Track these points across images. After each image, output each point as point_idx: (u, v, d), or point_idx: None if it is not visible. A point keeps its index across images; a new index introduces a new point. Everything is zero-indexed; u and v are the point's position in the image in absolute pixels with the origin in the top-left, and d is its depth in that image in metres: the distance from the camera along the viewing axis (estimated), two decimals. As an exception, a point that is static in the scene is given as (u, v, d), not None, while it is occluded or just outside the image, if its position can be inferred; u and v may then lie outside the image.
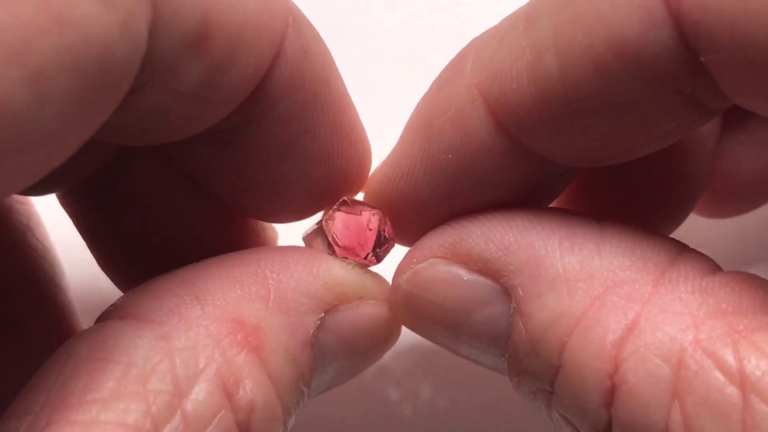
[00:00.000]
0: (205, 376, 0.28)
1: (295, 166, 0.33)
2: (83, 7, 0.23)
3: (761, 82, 0.24)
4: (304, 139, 0.32)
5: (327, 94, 0.32)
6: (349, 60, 0.37)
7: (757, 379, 0.25)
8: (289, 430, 0.31)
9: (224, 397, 0.28)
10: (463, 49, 0.31)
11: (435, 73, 0.32)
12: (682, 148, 0.35)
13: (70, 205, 0.36)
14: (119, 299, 0.31)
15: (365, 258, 0.34)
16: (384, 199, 0.33)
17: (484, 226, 0.31)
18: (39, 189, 0.34)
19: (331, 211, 0.34)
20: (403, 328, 0.34)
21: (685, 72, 0.26)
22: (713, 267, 0.29)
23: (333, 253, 0.34)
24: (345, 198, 0.34)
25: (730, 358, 0.25)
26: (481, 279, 0.31)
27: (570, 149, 0.29)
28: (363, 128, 0.34)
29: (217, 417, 0.28)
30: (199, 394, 0.28)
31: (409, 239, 0.33)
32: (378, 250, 0.34)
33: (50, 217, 0.37)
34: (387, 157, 0.33)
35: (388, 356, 0.36)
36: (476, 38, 0.31)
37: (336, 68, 0.33)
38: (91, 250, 0.37)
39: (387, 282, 0.34)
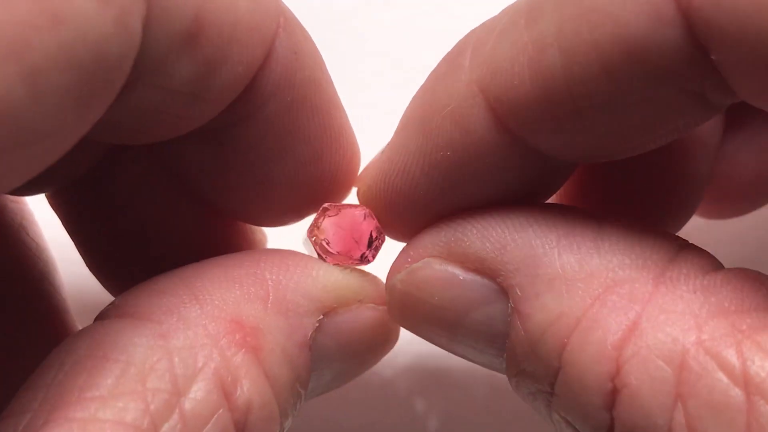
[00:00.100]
0: (203, 375, 0.28)
1: (283, 168, 0.33)
2: (78, 4, 0.23)
3: None
4: (292, 141, 0.32)
5: (316, 96, 0.32)
6: (341, 59, 0.37)
7: (761, 380, 0.25)
8: (285, 431, 0.31)
9: (222, 397, 0.28)
10: (460, 42, 0.31)
11: (428, 72, 0.32)
12: (683, 148, 0.35)
13: (59, 205, 0.36)
14: (118, 298, 0.30)
15: (361, 258, 0.33)
16: (379, 195, 0.33)
17: (480, 224, 0.30)
18: (28, 188, 0.34)
19: (314, 222, 0.34)
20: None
21: (693, 70, 0.25)
22: (715, 264, 0.28)
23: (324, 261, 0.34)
24: (326, 205, 0.34)
25: (733, 359, 0.25)
26: (477, 278, 0.30)
27: (571, 146, 0.28)
28: (352, 131, 0.34)
29: (215, 416, 0.28)
30: (198, 393, 0.28)
31: (404, 236, 0.33)
32: (371, 248, 0.34)
33: (44, 216, 0.37)
34: (382, 153, 0.33)
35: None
36: (473, 31, 0.31)
37: (326, 70, 0.33)
38: (79, 250, 0.37)
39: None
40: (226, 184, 0.33)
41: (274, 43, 0.30)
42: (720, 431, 0.25)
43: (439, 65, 0.31)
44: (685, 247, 0.29)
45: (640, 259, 0.28)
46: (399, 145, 0.31)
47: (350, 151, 0.34)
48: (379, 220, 0.34)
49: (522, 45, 0.27)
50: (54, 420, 0.26)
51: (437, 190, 0.31)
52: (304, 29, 0.32)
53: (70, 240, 0.36)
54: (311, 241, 0.34)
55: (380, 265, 0.34)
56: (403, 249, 0.32)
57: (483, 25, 0.30)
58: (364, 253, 0.34)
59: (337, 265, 0.33)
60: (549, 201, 0.33)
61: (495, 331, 0.30)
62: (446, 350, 0.32)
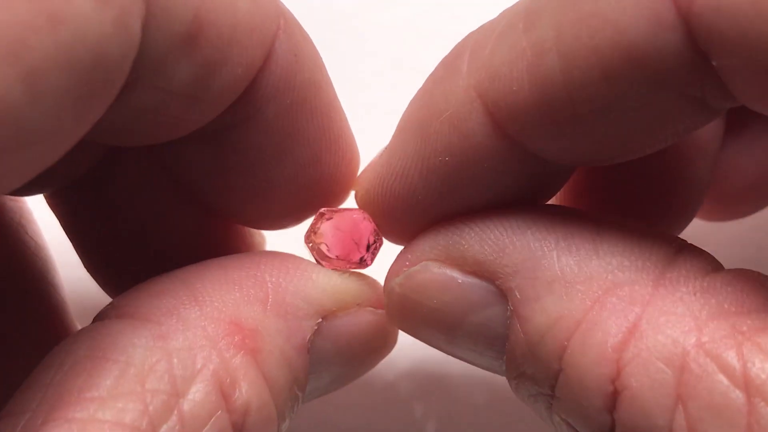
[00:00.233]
0: (202, 376, 0.28)
1: (282, 170, 0.33)
2: (77, 4, 0.23)
3: None
4: (291, 143, 0.32)
5: (316, 98, 0.32)
6: (341, 60, 0.37)
7: (762, 382, 0.25)
8: None
9: (221, 398, 0.28)
10: (458, 45, 0.31)
11: (429, 73, 0.32)
12: (684, 152, 0.35)
13: (57, 205, 0.36)
14: (117, 298, 0.30)
15: (359, 261, 0.33)
16: (376, 199, 0.33)
17: (478, 227, 0.30)
18: (27, 189, 0.34)
19: (311, 227, 0.34)
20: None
21: (694, 75, 0.25)
22: (714, 265, 0.28)
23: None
24: (322, 210, 0.34)
25: (733, 361, 0.25)
26: (476, 281, 0.30)
27: (570, 150, 0.28)
28: (351, 133, 0.34)
29: (213, 417, 0.28)
30: (196, 394, 0.28)
31: (402, 239, 0.33)
32: (369, 251, 0.34)
33: (43, 217, 0.37)
34: (379, 156, 0.33)
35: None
36: (471, 33, 0.30)
37: (326, 72, 0.33)
38: (77, 251, 0.37)
39: (385, 289, 0.34)
40: (225, 186, 0.33)
41: (274, 44, 0.30)
42: None
43: (437, 68, 0.31)
44: (685, 248, 0.29)
45: (639, 261, 0.28)
46: (397, 149, 0.31)
47: (349, 154, 0.34)
48: (376, 224, 0.33)
49: (520, 50, 0.27)
50: (53, 420, 0.26)
51: (435, 194, 0.31)
52: (304, 31, 0.32)
53: (69, 241, 0.36)
54: (308, 246, 0.34)
55: (378, 269, 0.34)
56: (401, 252, 0.32)
57: (481, 28, 0.30)
58: (363, 256, 0.34)
59: (335, 270, 0.33)
60: (548, 203, 0.33)
61: (494, 333, 0.30)
62: (445, 353, 0.32)
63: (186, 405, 0.27)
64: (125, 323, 0.29)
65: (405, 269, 0.32)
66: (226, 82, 0.29)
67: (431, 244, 0.31)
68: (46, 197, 0.36)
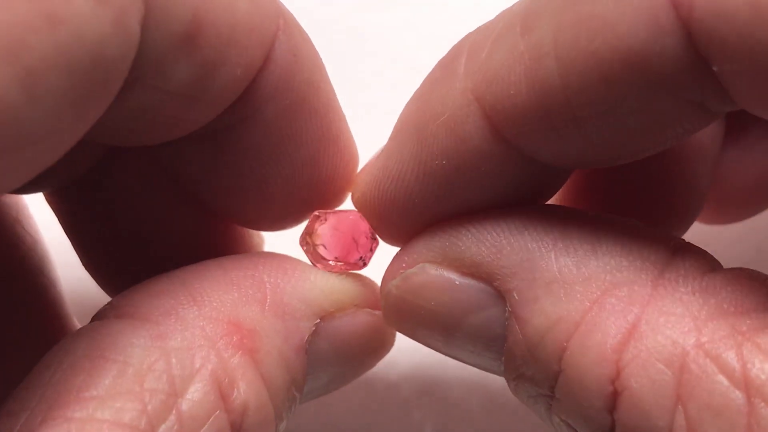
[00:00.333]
0: (200, 376, 0.28)
1: (280, 171, 0.33)
2: (76, 5, 0.23)
3: None
4: (290, 144, 0.32)
5: (315, 99, 0.32)
6: (341, 60, 0.37)
7: (762, 383, 0.25)
8: None
9: (219, 398, 0.28)
10: (455, 47, 0.31)
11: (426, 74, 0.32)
12: (684, 156, 0.34)
13: (57, 204, 0.36)
14: (116, 298, 0.30)
15: (359, 260, 0.33)
16: (373, 202, 0.32)
17: (475, 228, 0.30)
18: (25, 188, 0.34)
19: (306, 229, 0.34)
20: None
21: (693, 80, 0.25)
22: (713, 264, 0.28)
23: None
24: (317, 212, 0.34)
25: (733, 362, 0.25)
26: (473, 283, 0.30)
27: (568, 153, 0.28)
28: (350, 134, 0.34)
29: (212, 417, 0.28)
30: (195, 394, 0.28)
31: (398, 241, 0.33)
32: (367, 251, 0.34)
33: (44, 216, 0.37)
34: (376, 159, 0.33)
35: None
36: (469, 35, 0.30)
37: (325, 72, 0.33)
38: (76, 250, 0.37)
39: (383, 290, 0.34)
40: (224, 187, 0.33)
41: (273, 45, 0.30)
42: None
43: (433, 70, 0.31)
44: (683, 248, 0.29)
45: (638, 261, 0.28)
46: (393, 152, 0.31)
47: (348, 155, 0.34)
48: (373, 226, 0.33)
49: (518, 53, 0.27)
50: (52, 419, 0.26)
51: (432, 196, 0.31)
52: (303, 31, 0.32)
53: (68, 240, 0.36)
54: (303, 249, 0.34)
55: (375, 270, 0.34)
56: (397, 254, 0.32)
57: (478, 29, 0.30)
58: (362, 256, 0.34)
59: (332, 273, 0.33)
60: (546, 203, 0.33)
61: (492, 335, 0.30)
62: (442, 354, 0.32)
63: (184, 405, 0.27)
64: (124, 323, 0.29)
65: (402, 271, 0.32)
66: (225, 83, 0.29)
67: (428, 245, 0.31)
68: (45, 195, 0.36)
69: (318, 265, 0.34)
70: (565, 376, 0.28)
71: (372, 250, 0.34)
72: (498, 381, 0.42)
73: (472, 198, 0.30)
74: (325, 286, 0.32)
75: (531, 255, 0.29)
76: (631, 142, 0.28)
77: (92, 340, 0.28)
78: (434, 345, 0.32)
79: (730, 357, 0.25)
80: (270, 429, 0.30)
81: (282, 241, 0.37)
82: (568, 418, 0.28)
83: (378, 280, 0.33)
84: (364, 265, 0.34)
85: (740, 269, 0.28)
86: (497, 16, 0.30)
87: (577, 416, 0.28)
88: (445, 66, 0.30)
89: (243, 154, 0.32)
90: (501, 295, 0.30)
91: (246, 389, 0.29)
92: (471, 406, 0.45)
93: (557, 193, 0.33)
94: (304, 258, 0.34)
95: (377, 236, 0.34)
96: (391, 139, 0.32)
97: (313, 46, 0.32)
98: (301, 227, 0.35)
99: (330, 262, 0.34)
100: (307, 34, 0.32)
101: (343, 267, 0.34)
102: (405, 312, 0.32)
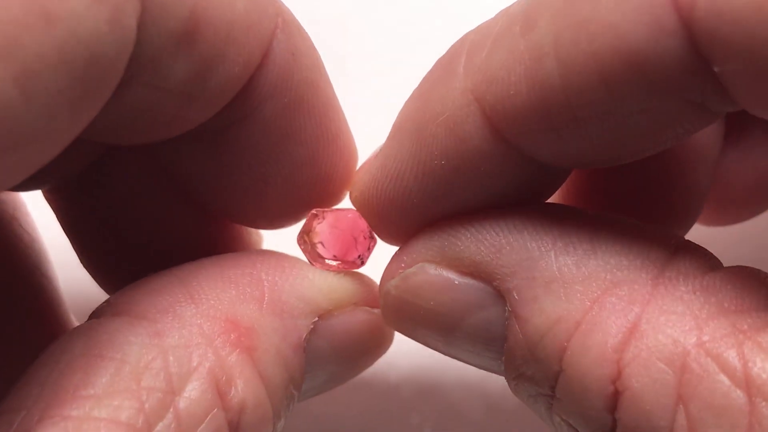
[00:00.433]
0: (198, 374, 0.28)
1: (278, 170, 0.33)
2: (72, 3, 0.23)
3: None
4: (288, 143, 0.32)
5: (314, 97, 0.32)
6: (340, 59, 0.37)
7: (763, 382, 0.24)
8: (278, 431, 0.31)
9: (216, 396, 0.28)
10: (454, 46, 0.30)
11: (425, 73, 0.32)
12: (684, 157, 0.34)
13: (55, 201, 0.36)
14: (114, 296, 0.30)
15: (357, 258, 0.33)
16: (371, 201, 0.32)
17: (474, 228, 0.30)
18: (23, 185, 0.33)
19: (303, 227, 0.34)
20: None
21: (695, 81, 0.25)
22: (713, 262, 0.28)
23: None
24: (314, 210, 0.34)
25: (734, 361, 0.25)
26: (473, 282, 0.30)
27: (568, 153, 0.28)
28: (349, 133, 0.34)
29: (209, 416, 0.28)
30: (192, 392, 0.28)
31: (396, 241, 0.33)
32: (366, 249, 0.34)
33: (43, 216, 0.37)
34: (374, 158, 0.32)
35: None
36: (468, 34, 0.30)
37: (324, 71, 0.33)
38: (74, 247, 0.36)
39: (381, 289, 0.33)
40: (222, 185, 0.33)
41: (272, 43, 0.30)
42: None
43: (432, 69, 0.31)
44: (684, 246, 0.29)
45: (638, 259, 0.28)
46: (392, 151, 0.31)
47: (347, 154, 0.34)
48: (371, 225, 0.33)
49: (518, 54, 0.27)
50: (49, 417, 0.26)
51: (431, 196, 0.31)
52: (302, 30, 0.32)
53: (66, 237, 0.36)
54: (301, 248, 0.34)
55: (373, 268, 0.34)
56: (396, 254, 0.32)
57: (477, 29, 0.30)
58: (360, 254, 0.34)
59: (329, 271, 0.33)
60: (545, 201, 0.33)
61: (492, 334, 0.30)
62: (442, 353, 0.32)
63: (182, 403, 0.27)
64: (121, 321, 0.29)
65: (401, 271, 0.31)
66: (223, 81, 0.29)
67: (427, 245, 0.31)
68: (44, 193, 0.36)
69: (316, 263, 0.33)
70: (566, 376, 0.27)
71: (370, 249, 0.34)
72: (497, 384, 0.43)
73: (471, 198, 0.30)
74: (323, 285, 0.32)
75: (530, 254, 0.29)
76: (632, 143, 0.28)
77: (89, 338, 0.28)
78: (433, 345, 0.32)
79: (732, 356, 0.25)
80: (268, 427, 0.30)
81: (280, 240, 0.37)
82: (568, 418, 0.28)
83: (376, 279, 0.33)
84: (362, 263, 0.34)
85: (741, 267, 0.28)
86: (496, 16, 0.29)
87: (578, 416, 0.28)
88: (445, 65, 0.30)
89: (241, 152, 0.32)
90: (501, 295, 0.30)
91: (244, 387, 0.29)
92: (470, 408, 0.45)
93: (556, 193, 0.33)
94: (302, 257, 0.34)
95: (375, 235, 0.34)
96: (389, 138, 0.32)
97: (312, 44, 0.32)
98: (299, 226, 0.35)
99: (328, 261, 0.34)
100: (306, 33, 0.32)
101: (341, 266, 0.34)
102: (404, 312, 0.32)
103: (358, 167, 0.34)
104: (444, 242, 0.31)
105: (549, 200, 0.32)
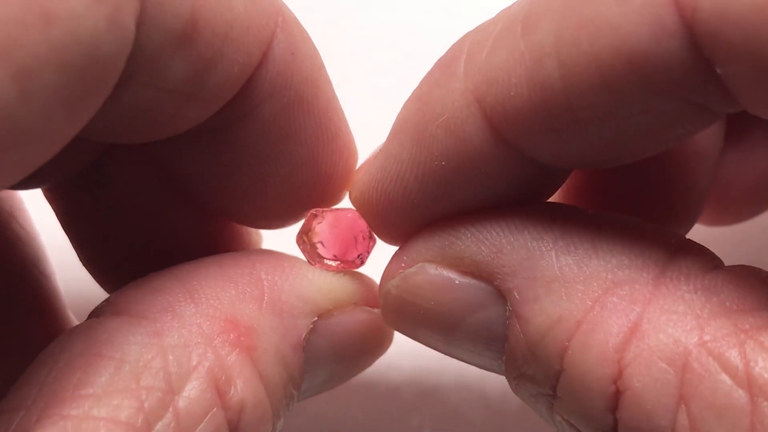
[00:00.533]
0: (197, 373, 0.28)
1: (278, 169, 0.33)
2: (70, 2, 0.23)
3: None
4: (288, 142, 0.32)
5: (314, 97, 0.32)
6: (340, 59, 0.37)
7: (765, 381, 0.24)
8: (277, 431, 0.31)
9: (216, 396, 0.28)
10: (453, 47, 0.30)
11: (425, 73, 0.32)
12: (684, 158, 0.34)
13: (55, 199, 0.36)
14: (113, 295, 0.31)
15: (357, 258, 0.33)
16: (371, 202, 0.32)
17: (474, 228, 0.30)
18: (23, 183, 0.34)
19: (303, 227, 0.34)
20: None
21: (696, 82, 0.25)
22: (715, 261, 0.28)
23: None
24: (314, 210, 0.34)
25: (736, 360, 0.25)
26: (473, 282, 0.30)
27: (569, 154, 0.28)
28: (349, 132, 0.34)
29: (209, 415, 0.28)
30: (192, 391, 0.28)
31: (396, 241, 0.33)
32: (365, 249, 0.34)
33: (43, 215, 0.37)
34: (374, 158, 0.32)
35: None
36: (468, 34, 0.30)
37: (324, 70, 0.33)
38: (73, 246, 0.36)
39: (381, 288, 0.33)
40: (221, 184, 0.33)
41: (272, 43, 0.30)
42: None
43: (432, 70, 0.31)
44: (685, 245, 0.28)
45: (639, 259, 0.28)
46: (392, 152, 0.31)
47: (346, 154, 0.34)
48: (370, 225, 0.33)
49: (519, 55, 0.27)
50: (48, 417, 0.26)
51: (431, 197, 0.30)
52: (302, 29, 0.32)
53: (66, 236, 0.36)
54: (300, 247, 0.34)
55: (372, 268, 0.34)
56: (396, 254, 0.32)
57: (477, 29, 0.30)
58: (360, 254, 0.34)
59: (328, 271, 0.33)
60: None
61: (493, 334, 0.30)
62: (442, 353, 0.32)
63: (181, 402, 0.27)
64: (121, 320, 0.29)
65: (401, 271, 0.31)
66: (222, 80, 0.29)
67: (427, 245, 0.31)
68: (44, 191, 0.36)
69: (315, 263, 0.33)
70: (567, 376, 0.27)
71: (370, 249, 0.34)
72: (497, 385, 0.42)
73: (471, 198, 0.30)
74: (323, 284, 0.32)
75: (531, 254, 0.29)
76: (633, 143, 0.27)
77: (89, 337, 0.28)
78: (434, 344, 0.32)
79: (733, 355, 0.25)
80: (267, 427, 0.30)
81: (280, 240, 0.37)
82: (569, 418, 0.28)
83: (376, 279, 0.33)
84: (362, 263, 0.34)
85: (742, 267, 0.28)
86: (497, 16, 0.29)
87: (579, 416, 0.28)
88: (445, 66, 0.30)
89: (241, 152, 0.32)
90: (501, 295, 0.29)
91: (243, 387, 0.29)
92: (470, 410, 0.45)
93: (557, 192, 0.33)
94: (301, 256, 0.34)
95: (375, 235, 0.34)
96: (389, 138, 0.32)
97: (312, 44, 0.32)
98: (298, 226, 0.35)
99: (327, 261, 0.34)
100: (306, 32, 0.32)
101: (340, 265, 0.34)
102: (404, 312, 0.32)
103: (357, 167, 0.34)
104: (444, 242, 0.31)
105: (549, 200, 0.32)
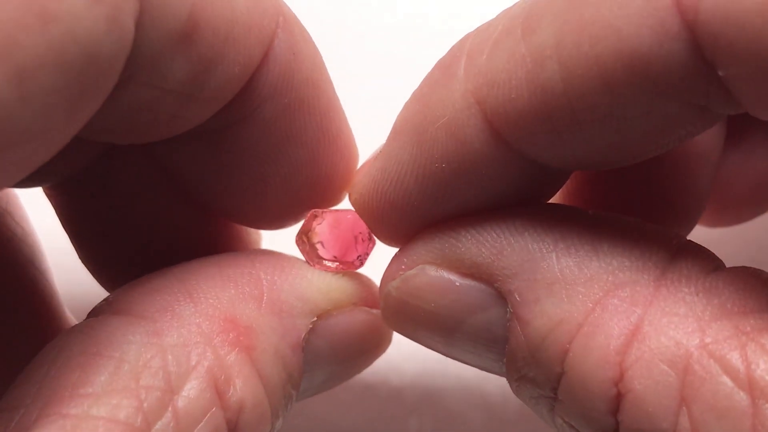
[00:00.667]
0: (196, 373, 0.28)
1: (278, 170, 0.33)
2: (69, 2, 0.22)
3: None
4: (289, 143, 0.32)
5: (315, 98, 0.32)
6: (340, 59, 0.37)
7: (766, 384, 0.24)
8: (276, 431, 0.31)
9: (215, 395, 0.28)
10: (453, 48, 0.30)
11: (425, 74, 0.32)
12: (685, 159, 0.34)
13: (55, 198, 0.36)
14: (112, 294, 0.31)
15: (356, 259, 0.33)
16: (371, 204, 0.32)
17: (474, 229, 0.30)
18: (23, 182, 0.33)
19: (302, 228, 0.34)
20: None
21: (698, 84, 0.25)
22: (716, 263, 0.28)
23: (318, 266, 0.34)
24: (314, 211, 0.34)
25: (737, 363, 0.25)
26: (474, 284, 0.30)
27: (570, 156, 0.28)
28: (350, 133, 0.34)
29: (208, 415, 0.28)
30: (191, 391, 0.28)
31: (396, 242, 0.33)
32: (365, 250, 0.34)
33: (43, 215, 0.37)
34: (374, 159, 0.32)
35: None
36: (468, 36, 0.30)
37: (325, 71, 0.33)
38: (73, 245, 0.36)
39: (380, 289, 0.33)
40: (221, 185, 0.33)
41: (273, 43, 0.30)
42: None
43: (432, 71, 0.31)
44: (686, 247, 0.28)
45: (639, 260, 0.28)
46: (392, 154, 0.31)
47: (347, 154, 0.34)
48: (370, 226, 0.33)
49: (520, 57, 0.27)
50: (47, 416, 0.26)
51: (431, 199, 0.30)
52: (303, 29, 0.32)
53: (65, 234, 0.36)
54: (299, 248, 0.34)
55: (373, 270, 0.34)
56: (396, 256, 0.32)
57: (477, 30, 0.30)
58: (359, 255, 0.33)
59: (328, 272, 0.33)
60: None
61: (494, 336, 0.30)
62: (443, 354, 0.32)
63: (180, 402, 0.27)
64: (120, 320, 0.29)
65: (401, 273, 0.31)
66: (223, 81, 0.29)
67: (427, 247, 0.31)
68: (44, 190, 0.36)
69: (314, 264, 0.33)
70: (568, 378, 0.27)
71: (369, 250, 0.34)
72: (496, 388, 0.42)
73: (472, 200, 0.30)
74: (322, 284, 0.32)
75: (532, 255, 0.29)
76: (634, 145, 0.27)
77: (88, 336, 0.28)
78: (434, 346, 0.32)
79: (735, 358, 0.25)
80: (266, 426, 0.30)
81: (280, 240, 0.37)
82: (571, 420, 0.28)
83: (376, 279, 0.33)
84: (361, 264, 0.34)
85: (743, 268, 0.28)
86: (497, 17, 0.29)
87: (580, 418, 0.28)
88: (445, 67, 0.30)
89: (241, 152, 0.32)
90: (502, 296, 0.29)
91: (242, 387, 0.29)
92: (469, 413, 0.45)
93: (557, 193, 0.33)
94: (301, 257, 0.34)
95: (374, 236, 0.34)
96: (389, 140, 0.31)
97: (313, 44, 0.32)
98: (298, 226, 0.35)
99: (326, 262, 0.34)
100: (307, 33, 0.32)
101: (339, 266, 0.34)
102: (405, 313, 0.32)
103: (358, 168, 0.34)
104: (445, 244, 0.30)
105: (550, 201, 0.32)
